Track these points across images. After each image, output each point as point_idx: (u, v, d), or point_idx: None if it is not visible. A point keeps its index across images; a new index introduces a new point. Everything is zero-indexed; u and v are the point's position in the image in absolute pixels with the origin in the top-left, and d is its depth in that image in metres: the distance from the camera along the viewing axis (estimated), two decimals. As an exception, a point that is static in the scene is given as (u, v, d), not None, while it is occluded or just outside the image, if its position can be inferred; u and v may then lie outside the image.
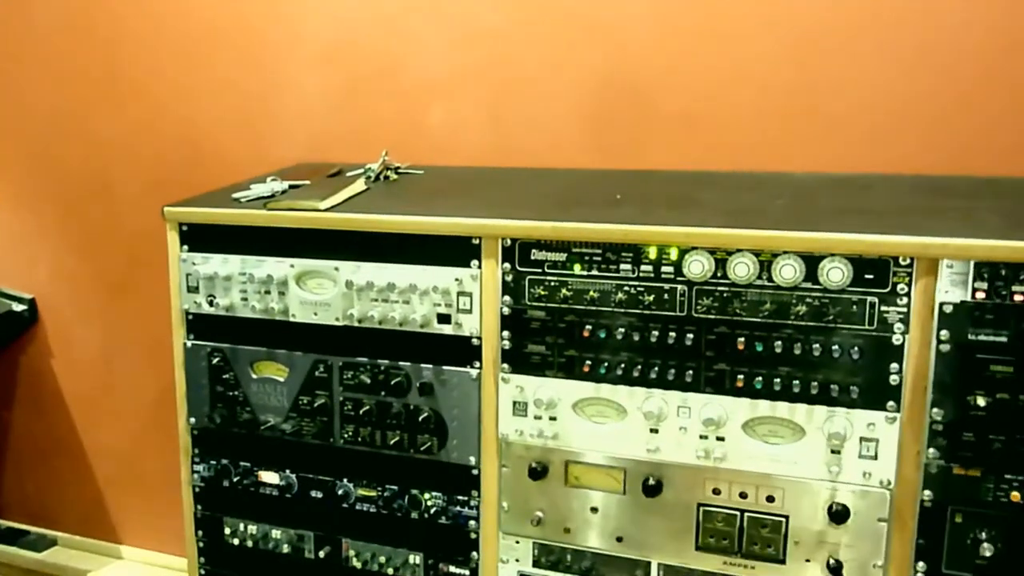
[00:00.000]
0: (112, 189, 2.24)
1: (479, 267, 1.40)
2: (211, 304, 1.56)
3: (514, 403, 1.41)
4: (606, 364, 1.35)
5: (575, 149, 1.85)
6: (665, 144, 1.79)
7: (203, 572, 1.69)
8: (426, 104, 1.93)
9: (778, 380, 1.27)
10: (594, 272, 1.34)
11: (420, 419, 1.47)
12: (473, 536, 1.48)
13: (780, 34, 1.68)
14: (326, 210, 1.48)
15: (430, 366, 1.45)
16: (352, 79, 1.97)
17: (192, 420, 1.63)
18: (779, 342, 1.26)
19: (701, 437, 1.32)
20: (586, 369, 1.36)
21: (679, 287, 1.30)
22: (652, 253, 1.30)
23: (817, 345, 1.24)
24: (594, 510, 1.40)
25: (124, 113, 2.17)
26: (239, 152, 2.06)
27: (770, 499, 1.30)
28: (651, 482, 1.34)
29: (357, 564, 1.57)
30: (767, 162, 1.72)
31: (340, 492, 1.55)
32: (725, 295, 1.28)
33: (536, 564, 1.45)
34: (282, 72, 2.01)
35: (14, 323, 2.41)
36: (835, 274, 1.21)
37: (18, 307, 2.40)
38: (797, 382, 1.26)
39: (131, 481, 2.51)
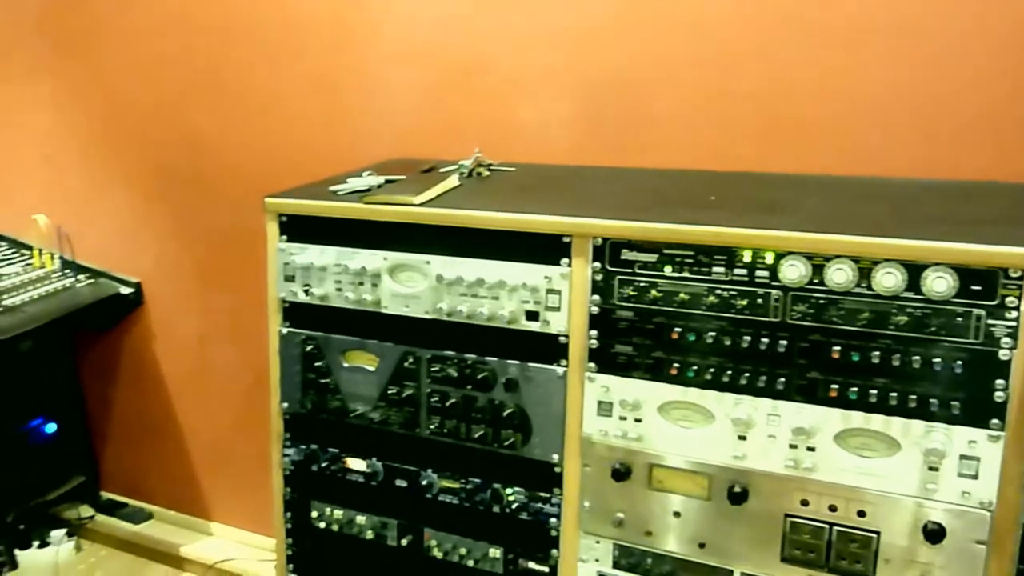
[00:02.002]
0: (213, 181, 2.32)
1: (569, 265, 1.40)
2: (307, 293, 1.61)
3: (599, 403, 1.41)
4: (695, 368, 1.33)
5: (667, 148, 1.83)
6: (759, 145, 1.76)
7: (290, 553, 1.74)
8: (517, 101, 1.94)
9: (874, 392, 1.23)
10: (685, 274, 1.32)
11: (504, 414, 1.48)
12: (553, 533, 1.49)
13: (880, 37, 1.63)
14: (420, 205, 1.50)
15: (516, 362, 1.46)
16: (445, 76, 1.99)
17: (284, 405, 1.68)
18: (876, 352, 1.22)
19: (791, 446, 1.29)
20: (674, 372, 1.35)
21: (773, 292, 1.27)
22: (746, 256, 1.28)
23: (917, 357, 1.20)
24: (676, 514, 1.38)
25: (226, 109, 2.25)
26: (335, 146, 2.11)
27: (861, 514, 1.26)
28: (737, 489, 1.32)
29: (438, 554, 1.59)
30: (864, 166, 1.67)
31: (424, 482, 1.57)
32: (821, 302, 1.25)
33: (616, 565, 1.44)
34: (377, 69, 2.05)
35: (121, 305, 2.53)
36: (939, 284, 1.17)
37: (125, 290, 2.52)
38: (894, 394, 1.22)
39: (223, 461, 2.60)
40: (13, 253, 2.60)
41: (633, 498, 1.41)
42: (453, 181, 1.66)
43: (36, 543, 2.66)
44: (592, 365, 1.40)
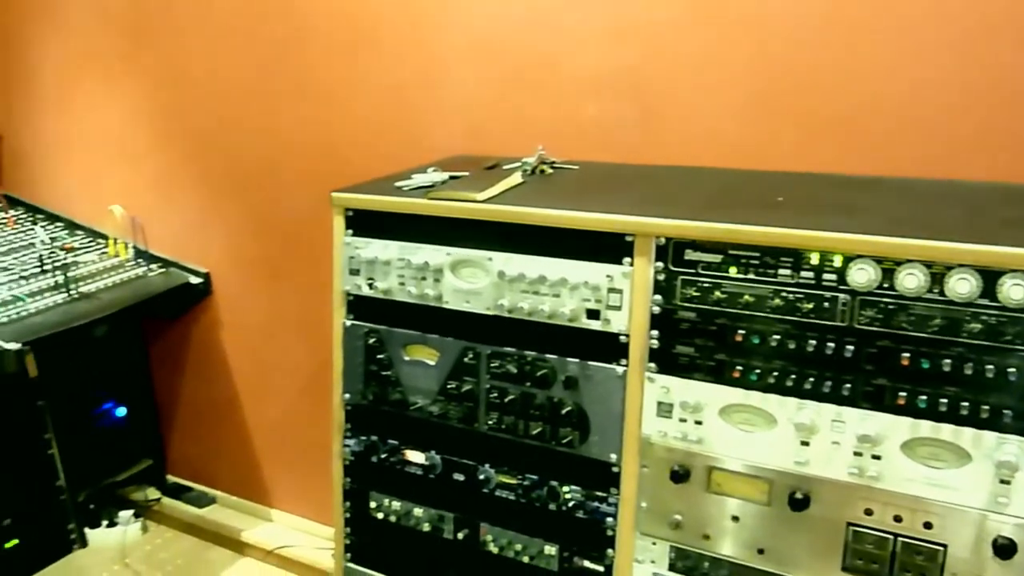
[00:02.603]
0: (282, 175, 2.37)
1: (631, 265, 1.39)
2: (370, 287, 1.63)
3: (659, 404, 1.40)
4: (757, 371, 1.31)
5: (732, 148, 1.80)
6: (826, 146, 1.73)
7: (348, 542, 1.77)
8: (581, 99, 1.94)
9: (944, 401, 1.20)
10: (750, 276, 1.30)
11: (563, 412, 1.48)
12: (609, 533, 1.48)
13: (957, 37, 1.58)
14: (483, 202, 1.51)
15: (576, 360, 1.46)
16: (509, 74, 2.00)
17: (346, 396, 1.71)
18: (948, 360, 1.19)
19: (855, 454, 1.26)
20: (736, 374, 1.33)
21: (841, 296, 1.25)
22: (814, 259, 1.26)
23: (991, 366, 1.16)
24: (735, 519, 1.37)
25: (296, 105, 2.29)
26: (401, 142, 2.14)
27: (927, 525, 1.23)
28: (798, 496, 1.30)
29: (493, 549, 1.60)
30: (938, 168, 1.62)
31: (481, 477, 1.58)
32: (891, 307, 1.22)
33: (672, 568, 1.43)
34: (444, 66, 2.07)
35: (191, 295, 2.61)
36: (1016, 292, 1.13)
37: (195, 280, 2.59)
38: (965, 404, 1.18)
39: (285, 449, 2.66)
40: (90, 242, 2.70)
41: (691, 500, 1.40)
42: (516, 178, 1.67)
43: (105, 523, 2.75)
44: (652, 365, 1.39)
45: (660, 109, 1.85)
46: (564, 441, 1.49)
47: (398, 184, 1.66)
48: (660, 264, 1.37)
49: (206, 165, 2.51)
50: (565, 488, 1.51)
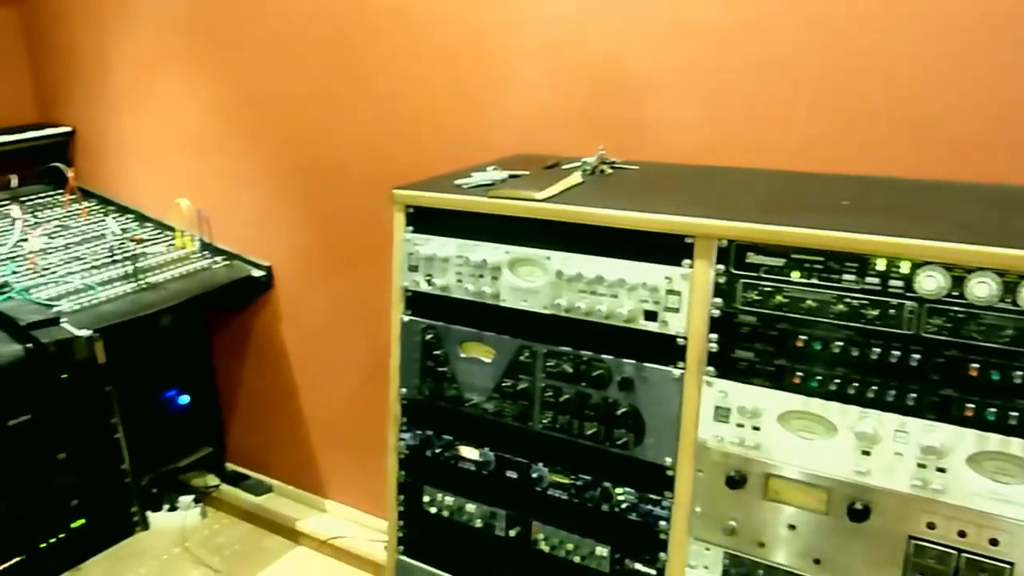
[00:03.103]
0: (344, 172, 2.40)
1: (691, 266, 1.38)
2: (429, 283, 1.65)
3: (716, 408, 1.38)
4: (819, 377, 1.29)
5: (797, 150, 1.77)
6: (897, 149, 1.68)
7: (401, 535, 1.79)
8: (643, 99, 1.92)
9: (1014, 414, 1.16)
10: (813, 280, 1.28)
11: (618, 413, 1.47)
12: (662, 537, 1.47)
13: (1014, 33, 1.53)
14: (543, 200, 1.51)
15: (632, 362, 1.45)
16: (571, 73, 1.99)
17: (403, 391, 1.72)
18: (1020, 372, 1.15)
19: (919, 465, 1.23)
20: (796, 381, 1.31)
21: (908, 303, 1.22)
22: (880, 265, 1.23)
23: (1065, 380, 1.13)
24: (791, 527, 1.35)
25: (359, 102, 2.32)
26: (462, 140, 2.15)
27: (993, 542, 1.19)
28: (858, 506, 1.27)
29: (545, 548, 1.60)
30: (1006, 174, 1.57)
31: (534, 475, 1.58)
32: (960, 316, 1.18)
33: (726, 574, 1.42)
34: (504, 65, 2.07)
35: (253, 287, 2.66)
36: (1095, 303, 1.09)
37: (257, 273, 2.64)
38: (1037, 418, 1.15)
39: (341, 441, 2.70)
40: (158, 234, 2.77)
41: (747, 507, 1.38)
42: (576, 178, 1.67)
43: (166, 507, 2.83)
44: (711, 369, 1.38)
45: (723, 110, 1.83)
46: (618, 442, 1.48)
47: (458, 182, 1.67)
48: (721, 267, 1.35)
49: (271, 161, 2.55)
50: (618, 490, 1.50)
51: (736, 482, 1.37)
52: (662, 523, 1.47)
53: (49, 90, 3.06)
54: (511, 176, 1.67)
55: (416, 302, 1.68)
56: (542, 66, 2.02)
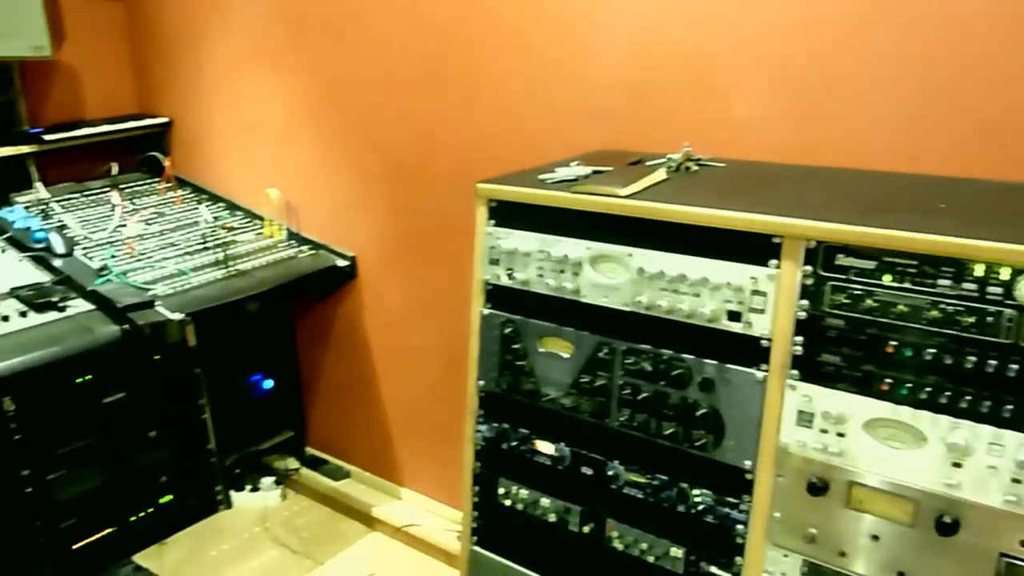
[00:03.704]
0: (429, 166, 2.43)
1: (777, 267, 1.35)
2: (509, 277, 1.65)
3: (799, 412, 1.35)
4: (909, 385, 1.25)
5: (891, 150, 1.72)
6: (993, 151, 1.61)
7: (475, 525, 1.81)
8: (731, 96, 1.89)
9: (1121, 431, 1.10)
10: (906, 285, 1.24)
11: (697, 414, 1.46)
12: (739, 541, 1.45)
13: None
14: (626, 197, 1.50)
15: (714, 362, 1.43)
16: (658, 69, 1.97)
17: (481, 383, 1.74)
18: None
19: (1013, 480, 1.18)
20: (885, 388, 1.27)
21: (1007, 311, 1.17)
22: (978, 271, 1.18)
23: None
24: (875, 538, 1.31)
25: (446, 97, 2.34)
26: (546, 135, 2.15)
27: (1093, 563, 1.14)
28: (946, 519, 1.23)
29: (619, 546, 1.59)
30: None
31: (610, 473, 1.58)
32: (1064, 326, 1.13)
33: (804, 582, 1.39)
34: (592, 60, 2.06)
35: (337, 277, 2.72)
36: None
37: (341, 263, 2.70)
38: None
39: (417, 430, 2.74)
40: (248, 222, 2.86)
41: (828, 515, 1.35)
42: (660, 174, 1.65)
43: (248, 487, 2.92)
44: (795, 372, 1.35)
45: (815, 108, 1.78)
46: (697, 443, 1.46)
47: (541, 177, 1.68)
48: (809, 268, 1.32)
49: (358, 154, 2.60)
50: (695, 491, 1.49)
51: (818, 489, 1.34)
52: (739, 527, 1.45)
53: (149, 82, 3.19)
54: (595, 172, 1.67)
55: (496, 296, 1.69)
56: (627, 62, 2.01)
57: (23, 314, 2.13)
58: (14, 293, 2.23)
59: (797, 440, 1.36)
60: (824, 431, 1.33)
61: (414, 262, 2.56)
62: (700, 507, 1.48)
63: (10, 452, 2.22)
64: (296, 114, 2.73)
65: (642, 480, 1.55)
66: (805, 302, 1.33)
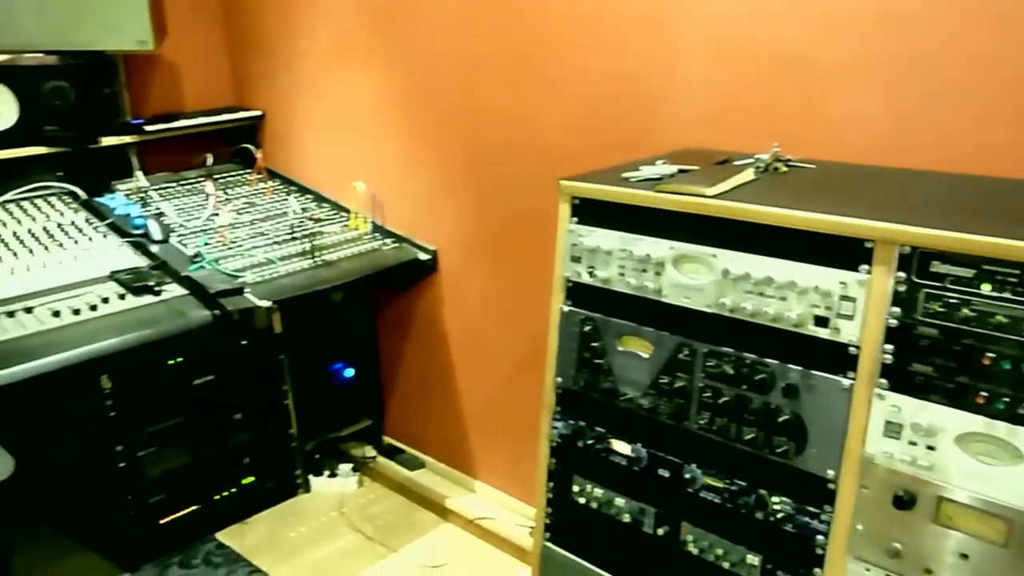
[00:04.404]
0: (513, 162, 2.44)
1: (869, 272, 1.31)
2: (590, 275, 1.65)
3: (887, 423, 1.31)
4: (1006, 399, 1.20)
5: (996, 154, 1.64)
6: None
7: (548, 522, 1.81)
8: (826, 95, 1.84)
9: None
10: (1007, 295, 1.19)
11: (779, 420, 1.43)
12: (819, 551, 1.41)
13: None
14: (712, 196, 1.48)
15: (799, 368, 1.40)
16: (748, 67, 1.93)
17: (558, 380, 1.74)
18: None
19: (1119, 504, 1.12)
20: (980, 401, 1.22)
21: (1118, 326, 1.11)
22: (1087, 282, 1.13)
23: None
24: (963, 556, 1.26)
25: (531, 93, 2.34)
26: (631, 133, 2.13)
27: None
28: (1043, 541, 1.18)
29: (693, 550, 1.58)
30: None
31: (687, 476, 1.56)
32: None
33: (886, 598, 1.35)
34: (680, 58, 2.04)
35: (419, 270, 2.76)
36: None
37: (423, 256, 2.73)
38: None
39: (493, 424, 2.75)
40: (335, 214, 2.92)
41: (914, 530, 1.30)
42: (748, 175, 1.62)
43: (327, 473, 2.99)
44: (883, 382, 1.31)
45: (914, 108, 1.72)
46: (778, 450, 1.43)
47: (625, 175, 1.66)
48: (902, 274, 1.28)
49: (443, 149, 2.63)
50: (775, 498, 1.46)
51: (904, 502, 1.29)
52: (819, 537, 1.41)
53: (244, 76, 3.29)
54: (680, 171, 1.65)
55: (576, 293, 1.69)
56: (716, 60, 1.97)
57: (122, 297, 2.23)
58: (114, 276, 2.33)
59: (884, 451, 1.32)
60: (913, 443, 1.29)
61: (494, 257, 2.58)
62: (779, 515, 1.45)
63: (105, 428, 2.33)
64: (383, 109, 2.78)
65: (720, 484, 1.52)
66: (897, 309, 1.29)
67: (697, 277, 1.51)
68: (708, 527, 1.55)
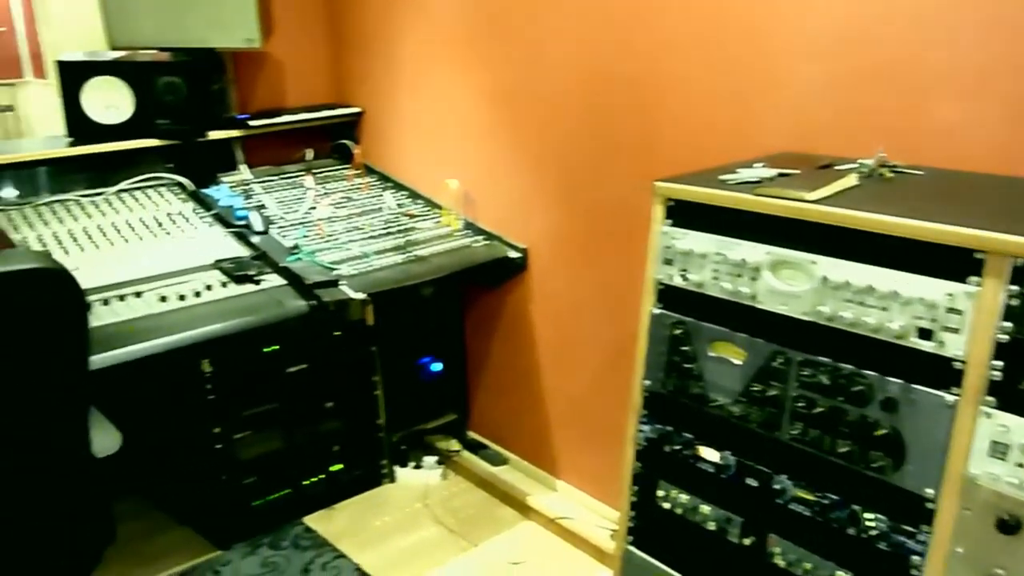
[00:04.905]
0: (606, 162, 2.42)
1: (978, 284, 1.25)
2: (683, 278, 1.63)
3: (993, 442, 1.25)
4: None
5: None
6: None
7: (631, 525, 1.80)
8: (937, 99, 1.76)
9: None
10: None
11: (876, 434, 1.38)
12: (914, 572, 1.36)
13: None
14: (813, 201, 1.44)
15: (899, 381, 1.35)
16: (854, 70, 1.87)
17: (646, 383, 1.73)
18: None
19: None
20: (1098, 424, 1.16)
21: None
22: None
23: None
24: (1074, 588, 1.20)
25: (626, 93, 2.32)
26: (729, 135, 2.09)
27: None
28: None
29: (780, 563, 1.54)
30: None
31: (776, 487, 1.52)
32: None
33: (987, 625, 1.29)
34: (783, 60, 1.99)
35: (509, 268, 2.77)
36: None
37: (513, 254, 2.75)
38: None
39: (577, 424, 2.75)
40: (428, 211, 2.97)
41: (1020, 556, 1.24)
42: (851, 180, 1.57)
43: (412, 464, 3.04)
44: (991, 399, 1.25)
45: (1029, 113, 1.64)
46: (874, 465, 1.39)
47: (722, 177, 1.64)
48: (1015, 287, 1.22)
49: (536, 148, 2.64)
50: (868, 515, 1.41)
51: (1010, 527, 1.24)
52: (915, 558, 1.36)
53: (345, 74, 3.37)
54: (780, 174, 1.61)
55: (668, 296, 1.67)
56: (821, 63, 1.92)
57: (224, 284, 2.32)
58: (218, 265, 2.42)
59: (988, 472, 1.26)
60: (1021, 465, 1.23)
61: (584, 257, 2.57)
62: (872, 532, 1.41)
63: (204, 410, 2.43)
64: (478, 108, 2.80)
65: (811, 497, 1.48)
66: (1008, 324, 1.23)
67: (794, 283, 1.47)
68: (797, 540, 1.52)
